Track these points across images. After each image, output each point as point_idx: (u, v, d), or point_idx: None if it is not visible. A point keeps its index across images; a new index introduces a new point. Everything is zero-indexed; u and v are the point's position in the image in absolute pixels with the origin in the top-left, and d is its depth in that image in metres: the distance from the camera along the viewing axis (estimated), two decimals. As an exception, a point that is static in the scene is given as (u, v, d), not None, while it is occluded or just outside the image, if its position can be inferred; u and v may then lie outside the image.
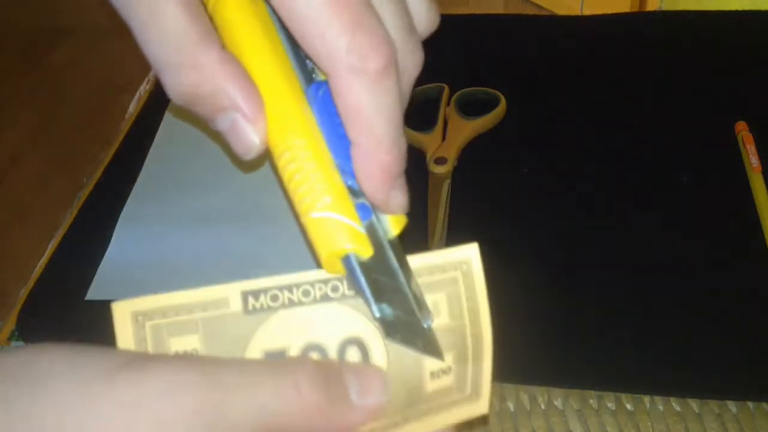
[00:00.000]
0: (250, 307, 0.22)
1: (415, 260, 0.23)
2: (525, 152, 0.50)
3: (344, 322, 0.23)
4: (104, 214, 0.48)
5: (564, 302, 0.40)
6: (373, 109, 0.21)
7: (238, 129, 0.22)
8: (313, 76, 0.23)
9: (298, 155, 0.22)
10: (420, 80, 0.25)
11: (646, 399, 0.36)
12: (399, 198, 0.23)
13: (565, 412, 0.36)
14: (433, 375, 0.23)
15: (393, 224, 0.23)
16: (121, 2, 0.22)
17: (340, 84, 0.21)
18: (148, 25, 0.22)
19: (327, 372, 0.21)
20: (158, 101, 0.57)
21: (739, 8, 0.62)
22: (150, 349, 0.22)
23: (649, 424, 0.35)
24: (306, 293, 0.23)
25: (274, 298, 0.23)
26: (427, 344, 0.23)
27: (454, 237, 0.44)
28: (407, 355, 0.23)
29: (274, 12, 0.22)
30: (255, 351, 0.22)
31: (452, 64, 0.56)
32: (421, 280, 0.23)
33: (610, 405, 0.36)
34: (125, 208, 0.48)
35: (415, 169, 0.49)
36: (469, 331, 0.24)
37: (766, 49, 0.57)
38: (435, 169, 0.47)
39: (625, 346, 0.38)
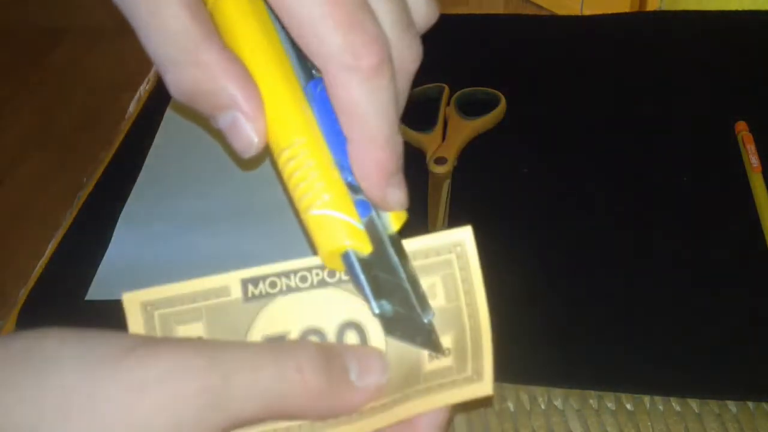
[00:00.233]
0: (249, 294, 0.23)
1: (409, 244, 0.24)
2: (525, 152, 0.50)
3: (342, 306, 0.23)
4: (104, 214, 0.48)
5: (564, 302, 0.40)
6: (367, 106, 0.22)
7: (237, 127, 0.23)
8: (313, 73, 0.24)
9: (298, 153, 0.22)
10: (420, 80, 0.25)
11: (646, 399, 0.36)
12: (397, 195, 0.23)
13: (565, 412, 0.36)
14: (432, 355, 0.24)
15: (393, 220, 0.24)
16: (123, 1, 0.22)
17: (333, 81, 0.22)
18: (150, 24, 0.22)
19: (328, 354, 0.22)
20: (158, 101, 0.57)
21: (739, 8, 0.62)
22: (159, 336, 0.23)
23: (649, 424, 0.35)
24: (303, 279, 0.23)
25: (273, 284, 0.23)
26: (427, 339, 0.23)
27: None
28: None
29: (271, 10, 0.23)
30: (256, 337, 0.23)
31: (452, 64, 0.56)
32: (416, 264, 0.24)
33: (610, 405, 0.36)
34: (125, 208, 0.48)
35: (415, 169, 0.49)
36: (465, 313, 0.24)
37: (766, 49, 0.57)
38: (435, 169, 0.47)
39: (625, 346, 0.38)
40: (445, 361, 0.24)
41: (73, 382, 0.18)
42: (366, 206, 0.23)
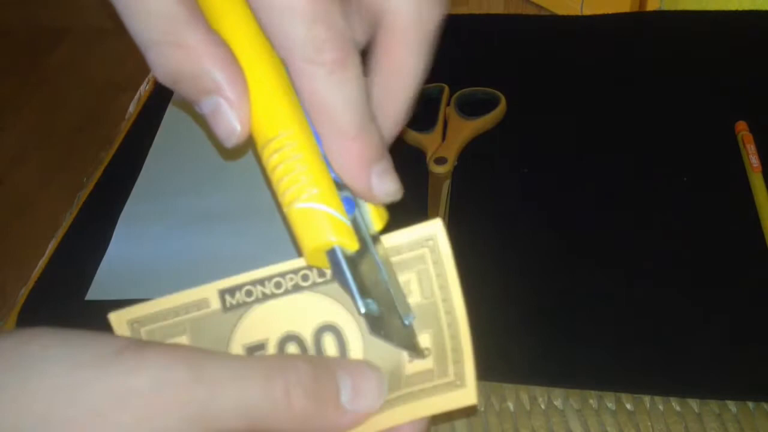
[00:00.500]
0: (227, 304, 0.23)
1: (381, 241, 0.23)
2: (525, 152, 0.50)
3: (317, 310, 0.23)
4: (104, 214, 0.48)
5: (564, 302, 0.40)
6: (333, 100, 0.21)
7: (220, 113, 0.22)
8: None
9: (285, 144, 0.22)
10: (420, 80, 0.25)
11: (646, 399, 0.36)
12: (386, 185, 0.22)
13: (565, 412, 0.36)
14: (412, 356, 0.23)
15: (375, 219, 0.23)
16: None
17: (297, 75, 0.21)
18: (134, 5, 0.21)
19: (319, 374, 0.21)
20: (158, 101, 0.57)
21: (739, 8, 0.62)
22: None
23: (649, 424, 0.35)
24: (278, 285, 0.23)
25: (249, 293, 0.23)
26: (408, 342, 0.23)
27: (454, 237, 0.44)
28: None
29: None
30: (236, 346, 0.23)
31: (452, 64, 0.55)
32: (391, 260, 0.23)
33: (610, 405, 0.36)
34: (125, 208, 0.48)
35: (415, 169, 0.49)
36: (442, 309, 0.23)
37: (766, 49, 0.57)
38: (435, 169, 0.47)
39: (626, 346, 0.38)
40: (425, 364, 0.23)
41: (58, 385, 0.18)
42: (350, 204, 0.22)
